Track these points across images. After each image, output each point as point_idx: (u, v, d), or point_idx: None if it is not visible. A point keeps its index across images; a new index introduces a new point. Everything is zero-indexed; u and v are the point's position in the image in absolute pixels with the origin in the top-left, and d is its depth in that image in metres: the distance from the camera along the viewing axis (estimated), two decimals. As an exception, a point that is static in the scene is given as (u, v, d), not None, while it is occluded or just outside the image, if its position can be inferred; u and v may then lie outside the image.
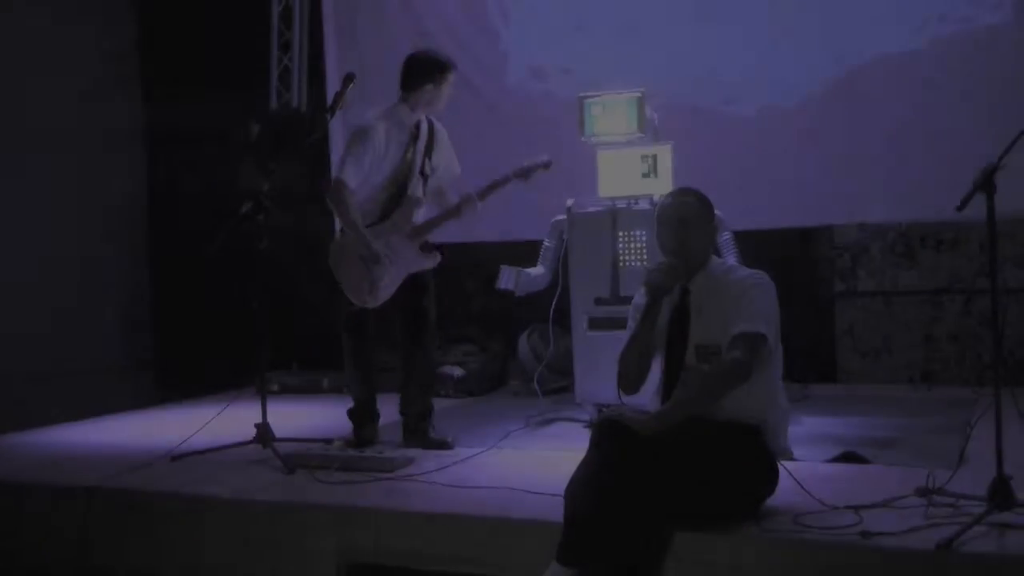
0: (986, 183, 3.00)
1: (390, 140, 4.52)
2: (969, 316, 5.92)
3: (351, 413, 4.77)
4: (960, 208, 2.97)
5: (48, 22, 7.46)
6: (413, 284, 4.63)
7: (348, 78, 4.52)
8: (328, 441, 4.64)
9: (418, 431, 4.65)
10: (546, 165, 4.85)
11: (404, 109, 4.59)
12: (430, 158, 4.67)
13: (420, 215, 4.66)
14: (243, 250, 4.53)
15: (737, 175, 6.00)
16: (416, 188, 4.62)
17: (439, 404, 4.93)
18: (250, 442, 4.49)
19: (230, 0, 7.80)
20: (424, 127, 4.66)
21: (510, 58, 6.65)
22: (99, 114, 7.88)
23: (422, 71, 4.57)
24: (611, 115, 5.21)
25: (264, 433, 4.48)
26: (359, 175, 4.45)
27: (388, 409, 4.79)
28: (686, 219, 3.35)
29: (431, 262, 4.67)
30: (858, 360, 6.22)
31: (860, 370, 6.21)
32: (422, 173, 4.64)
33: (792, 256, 6.34)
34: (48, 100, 7.36)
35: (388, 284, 4.54)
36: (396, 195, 4.60)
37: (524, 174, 4.79)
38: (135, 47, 8.39)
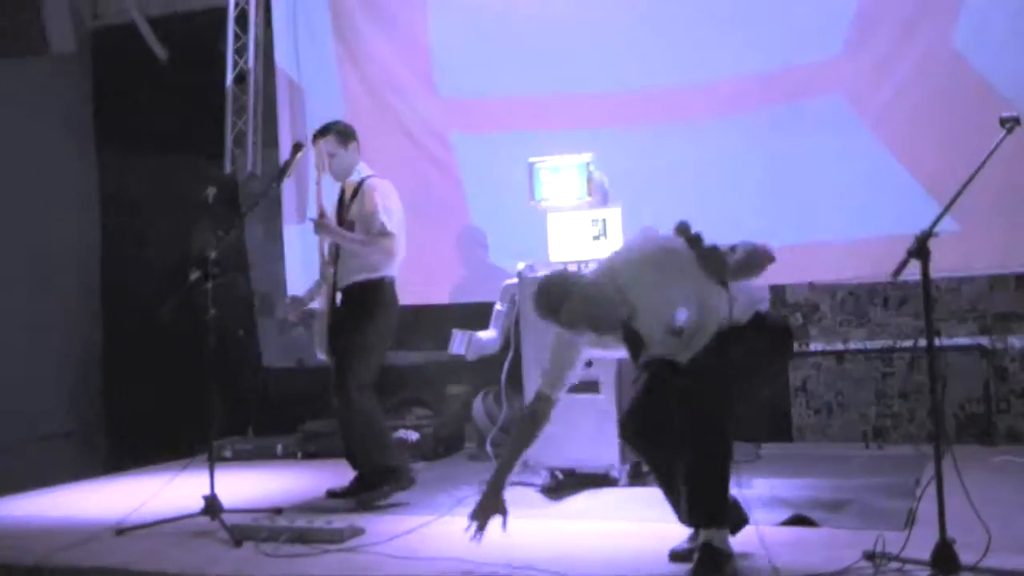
0: (920, 250, 3.04)
1: None
2: (919, 372, 5.98)
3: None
4: (895, 275, 3.01)
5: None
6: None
7: (296, 147, 4.58)
8: (277, 511, 4.57)
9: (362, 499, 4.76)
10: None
11: None
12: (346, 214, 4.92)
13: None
14: (193, 317, 4.51)
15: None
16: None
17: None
18: (198, 514, 4.41)
19: (185, 62, 7.84)
20: (352, 188, 4.94)
21: (455, 119, 6.69)
22: (51, 176, 7.83)
23: None
24: (560, 179, 5.26)
25: (212, 505, 4.41)
26: None
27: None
28: (566, 324, 3.42)
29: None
30: (811, 417, 6.26)
31: (814, 427, 6.25)
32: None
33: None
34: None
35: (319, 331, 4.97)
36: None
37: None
38: (89, 109, 8.38)
